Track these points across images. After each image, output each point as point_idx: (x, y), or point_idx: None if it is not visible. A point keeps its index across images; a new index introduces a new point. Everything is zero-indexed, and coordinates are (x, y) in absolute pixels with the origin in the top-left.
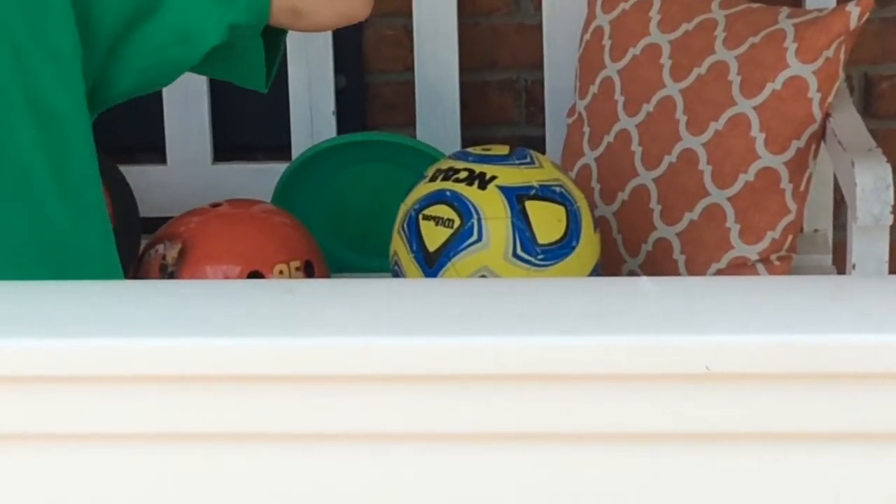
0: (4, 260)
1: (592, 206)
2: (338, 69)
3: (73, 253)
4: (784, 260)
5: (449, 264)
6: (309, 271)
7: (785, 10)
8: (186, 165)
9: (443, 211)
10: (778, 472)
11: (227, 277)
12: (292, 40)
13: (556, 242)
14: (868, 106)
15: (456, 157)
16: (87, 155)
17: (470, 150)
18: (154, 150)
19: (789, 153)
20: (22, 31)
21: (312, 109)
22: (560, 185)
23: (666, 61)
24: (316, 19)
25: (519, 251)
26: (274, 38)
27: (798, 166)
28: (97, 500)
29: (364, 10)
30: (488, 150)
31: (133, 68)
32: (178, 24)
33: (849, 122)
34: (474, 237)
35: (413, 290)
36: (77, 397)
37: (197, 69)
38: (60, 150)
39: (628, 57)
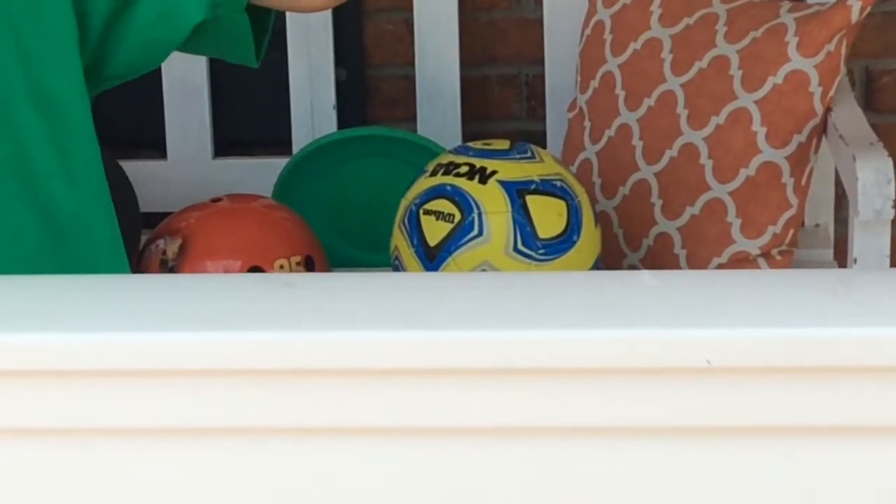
0: (14, 249)
1: (593, 201)
2: (338, 63)
3: (79, 238)
4: (785, 254)
5: (450, 259)
6: (309, 266)
7: (786, 5)
8: (187, 160)
9: (443, 205)
10: (780, 466)
11: (227, 272)
12: (293, 34)
13: (556, 237)
14: (869, 100)
15: (456, 151)
16: (89, 140)
17: (470, 144)
18: (154, 145)
19: (790, 147)
20: (23, 19)
21: (313, 104)
22: (561, 180)
23: (667, 55)
24: None
25: (520, 246)
26: (263, 12)
27: (799, 160)
28: (97, 494)
29: None
30: (489, 144)
31: (124, 49)
32: (162, 3)
33: (850, 117)
34: (475, 232)
35: (414, 283)
36: (76, 392)
37: (187, 47)
38: (63, 137)
39: (629, 51)
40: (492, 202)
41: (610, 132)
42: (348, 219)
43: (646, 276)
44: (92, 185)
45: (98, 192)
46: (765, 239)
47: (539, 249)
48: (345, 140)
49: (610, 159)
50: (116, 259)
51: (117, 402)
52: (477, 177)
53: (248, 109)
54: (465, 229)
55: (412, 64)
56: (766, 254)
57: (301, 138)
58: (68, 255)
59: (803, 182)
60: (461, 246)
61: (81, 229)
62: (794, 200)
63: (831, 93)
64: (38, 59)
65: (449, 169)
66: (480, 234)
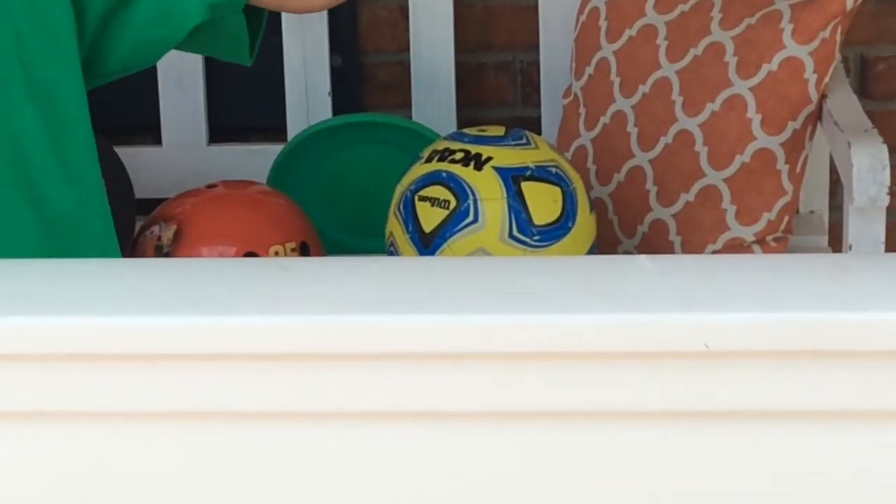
0: (5, 243)
1: (588, 187)
2: (333, 50)
3: (74, 235)
4: (780, 241)
5: (445, 245)
6: (304, 252)
7: None
8: (182, 146)
9: (439, 192)
10: (778, 450)
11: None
12: (288, 21)
13: (552, 223)
14: (864, 87)
15: (452, 137)
16: (86, 137)
17: (465, 130)
18: (149, 132)
19: (785, 134)
20: (22, 13)
21: (308, 90)
22: (556, 166)
23: (662, 42)
24: None
25: (515, 232)
26: (257, 12)
27: (794, 147)
28: (90, 478)
29: None
30: (484, 130)
31: (120, 46)
32: (159, 5)
33: (845, 103)
34: (470, 218)
35: (409, 268)
36: (73, 375)
37: (182, 46)
38: (60, 133)
39: (624, 38)
40: (487, 188)
41: (605, 119)
42: (343, 205)
43: (643, 260)
44: (88, 182)
45: (93, 189)
46: (759, 226)
47: (534, 236)
48: (340, 126)
49: (605, 146)
50: (110, 255)
51: (113, 385)
52: (472, 163)
53: (243, 96)
54: (460, 216)
55: (407, 50)
56: (760, 240)
57: (296, 125)
58: (62, 251)
59: (798, 169)
60: (456, 232)
61: (76, 226)
62: (788, 187)
63: (826, 79)
64: (37, 55)
65: (444, 155)
66: (476, 220)
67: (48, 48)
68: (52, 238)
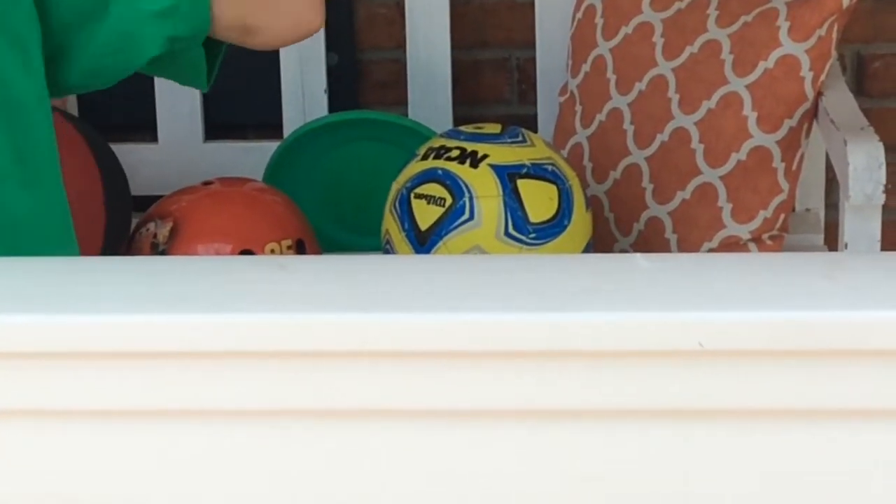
0: None
1: (584, 185)
2: (330, 47)
3: (31, 240)
4: (776, 239)
5: (441, 243)
6: (301, 250)
7: None
8: (178, 144)
9: (435, 189)
10: (773, 449)
11: (218, 256)
12: None
13: (547, 221)
14: (860, 85)
15: (448, 135)
16: (47, 142)
17: (462, 128)
18: (145, 129)
19: (781, 132)
20: None
21: (304, 87)
22: (552, 164)
23: (658, 40)
24: (271, 34)
25: (511, 230)
26: (216, 41)
27: (790, 145)
28: (79, 477)
29: (319, 18)
30: (480, 128)
31: (77, 66)
32: (120, 33)
33: (841, 101)
34: (466, 216)
35: (405, 266)
36: (65, 374)
37: (140, 71)
38: (21, 136)
39: (620, 35)
40: (483, 186)
41: (601, 116)
42: (339, 203)
43: (639, 258)
44: (47, 188)
45: (53, 195)
46: (756, 223)
47: (530, 234)
48: (336, 124)
49: (601, 143)
50: None
51: (108, 383)
52: (468, 161)
53: (240, 93)
54: (456, 213)
55: (403, 48)
56: (756, 238)
57: (292, 122)
58: (18, 254)
59: (794, 167)
60: (452, 230)
61: (33, 230)
62: (784, 185)
63: (822, 77)
64: (2, 62)
65: (440, 153)
66: (472, 218)
67: (11, 51)
68: (7, 241)
